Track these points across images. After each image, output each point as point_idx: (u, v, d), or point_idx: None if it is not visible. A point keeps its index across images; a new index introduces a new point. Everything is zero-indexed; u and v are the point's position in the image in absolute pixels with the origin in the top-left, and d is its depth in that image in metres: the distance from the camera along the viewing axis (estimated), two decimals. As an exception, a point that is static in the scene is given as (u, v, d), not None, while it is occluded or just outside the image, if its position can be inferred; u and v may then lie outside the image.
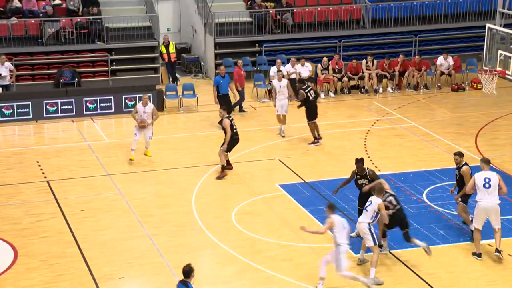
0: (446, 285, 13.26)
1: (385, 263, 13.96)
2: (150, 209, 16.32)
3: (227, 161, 17.93)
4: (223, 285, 13.32)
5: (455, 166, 15.19)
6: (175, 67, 25.24)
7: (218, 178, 17.64)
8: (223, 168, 17.80)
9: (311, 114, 19.68)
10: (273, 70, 22.76)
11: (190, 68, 26.48)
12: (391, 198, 13.79)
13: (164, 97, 22.96)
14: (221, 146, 17.66)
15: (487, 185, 13.82)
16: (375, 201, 13.28)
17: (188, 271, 10.98)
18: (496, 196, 13.83)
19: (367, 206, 13.35)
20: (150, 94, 22.61)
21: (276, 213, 16.11)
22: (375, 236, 13.33)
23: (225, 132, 17.62)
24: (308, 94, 19.57)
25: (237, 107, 22.31)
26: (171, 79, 24.93)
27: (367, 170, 14.61)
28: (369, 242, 13.32)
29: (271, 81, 23.29)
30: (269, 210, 16.25)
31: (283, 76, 21.21)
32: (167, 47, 24.72)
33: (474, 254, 14.18)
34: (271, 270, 13.77)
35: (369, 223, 13.27)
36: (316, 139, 19.80)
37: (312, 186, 17.39)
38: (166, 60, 24.80)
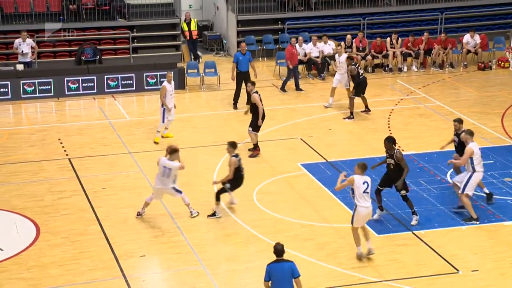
0: (470, 267, 13.21)
1: (407, 244, 13.92)
2: (171, 187, 16.36)
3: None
4: (244, 265, 13.37)
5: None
6: (196, 45, 25.20)
7: (251, 156, 17.66)
8: (255, 146, 17.84)
9: (361, 89, 20.06)
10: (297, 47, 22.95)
11: (212, 45, 26.43)
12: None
13: (186, 75, 22.96)
14: (250, 125, 17.72)
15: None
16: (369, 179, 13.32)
17: (281, 249, 10.78)
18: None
19: (367, 189, 13.22)
20: (172, 72, 22.69)
21: (298, 192, 16.11)
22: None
23: (256, 107, 17.63)
24: (359, 70, 19.97)
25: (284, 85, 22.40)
26: (192, 57, 24.91)
27: (395, 151, 14.33)
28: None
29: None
30: (291, 189, 16.25)
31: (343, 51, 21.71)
32: (188, 24, 24.68)
33: (470, 220, 14.51)
34: (293, 250, 13.77)
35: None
36: (366, 110, 20.37)
37: (334, 166, 17.34)
38: (188, 37, 24.77)
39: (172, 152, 14.58)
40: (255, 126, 17.65)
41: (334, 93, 21.01)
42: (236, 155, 14.91)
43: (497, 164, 17.20)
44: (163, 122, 18.64)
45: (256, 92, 17.72)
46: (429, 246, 13.86)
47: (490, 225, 14.59)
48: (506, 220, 14.74)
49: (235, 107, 21.07)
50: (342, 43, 23.66)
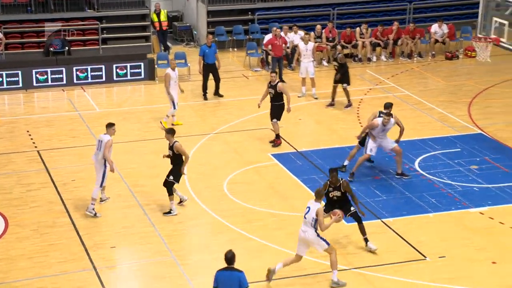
0: (437, 253, 13.39)
1: (376, 231, 14.07)
2: (141, 178, 16.36)
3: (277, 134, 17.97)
4: (215, 254, 13.40)
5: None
6: (166, 36, 25.10)
7: (274, 146, 17.76)
8: (278, 136, 17.92)
9: (348, 78, 20.16)
10: (267, 37, 22.91)
11: (182, 36, 26.35)
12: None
13: (156, 66, 22.88)
14: (274, 118, 17.76)
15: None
16: (313, 207, 12.19)
17: (231, 257, 10.44)
18: None
19: (306, 214, 12.24)
20: (142, 63, 22.63)
21: (268, 182, 16.18)
22: (324, 237, 12.34)
23: (285, 95, 17.71)
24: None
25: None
26: (162, 48, 24.82)
27: (341, 182, 13.32)
28: (323, 246, 12.28)
29: (265, 49, 23.31)
30: (261, 179, 16.31)
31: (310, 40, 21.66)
32: (158, 15, 24.58)
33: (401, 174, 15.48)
34: (263, 239, 13.87)
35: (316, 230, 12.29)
36: (348, 104, 20.35)
37: (304, 156, 17.44)
38: (158, 28, 24.67)
39: (107, 126, 14.71)
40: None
41: (305, 83, 21.10)
42: (177, 141, 14.62)
43: (464, 152, 17.43)
44: (174, 108, 18.82)
45: (282, 80, 17.53)
46: (397, 234, 14.02)
47: (456, 212, 14.80)
48: (471, 207, 14.97)
49: (205, 97, 21.07)
50: (312, 33, 23.74)
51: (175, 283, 12.60)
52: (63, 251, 13.43)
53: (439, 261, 13.16)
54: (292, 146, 17.91)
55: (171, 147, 14.65)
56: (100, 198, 15.03)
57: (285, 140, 18.22)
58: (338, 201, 13.32)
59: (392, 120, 15.96)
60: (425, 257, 13.30)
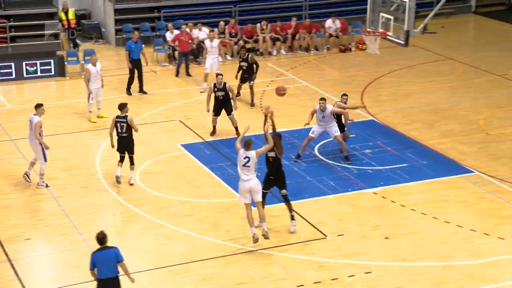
0: (336, 232, 13.67)
1: (280, 214, 14.22)
2: (55, 171, 15.93)
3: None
4: (128, 242, 13.24)
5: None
6: (75, 34, 24.48)
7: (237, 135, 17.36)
8: (237, 128, 17.82)
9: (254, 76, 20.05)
10: (168, 35, 22.85)
11: (91, 34, 25.74)
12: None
13: (66, 63, 22.27)
14: (230, 113, 17.70)
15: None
16: (252, 154, 12.80)
17: (103, 237, 10.50)
18: None
19: (247, 163, 12.76)
20: (52, 60, 21.99)
21: (178, 171, 16.08)
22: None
23: (231, 93, 17.78)
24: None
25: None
26: (71, 45, 24.19)
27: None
28: (260, 195, 12.97)
29: (171, 45, 23.12)
30: (172, 169, 16.19)
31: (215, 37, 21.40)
32: (66, 13, 23.93)
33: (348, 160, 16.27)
34: (174, 225, 13.79)
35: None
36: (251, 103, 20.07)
37: (212, 145, 17.42)
38: (66, 26, 24.04)
39: (36, 107, 14.90)
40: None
41: (207, 79, 20.94)
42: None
43: (358, 137, 17.83)
44: (88, 101, 18.56)
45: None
46: (300, 215, 14.22)
47: (353, 193, 15.14)
48: (366, 188, 15.36)
49: (128, 92, 20.63)
50: (216, 29, 23.68)
51: (91, 271, 12.35)
52: (-22, 245, 12.93)
53: (338, 239, 13.44)
54: (200, 137, 17.85)
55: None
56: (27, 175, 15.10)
57: (193, 131, 18.14)
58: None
59: (329, 107, 16.22)
60: (325, 236, 13.56)
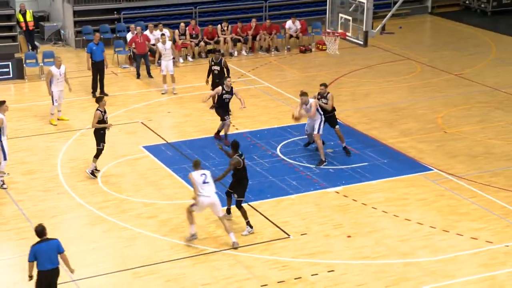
0: (299, 231, 13.71)
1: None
2: (15, 175, 15.66)
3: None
4: (91, 245, 13.08)
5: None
6: (33, 35, 24.11)
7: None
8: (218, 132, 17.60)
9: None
10: (129, 36, 22.67)
11: (50, 36, 25.37)
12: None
13: (24, 65, 21.91)
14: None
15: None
16: (207, 173, 13.00)
17: (42, 230, 10.80)
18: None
19: (205, 180, 12.87)
20: (10, 63, 21.62)
21: (140, 173, 15.94)
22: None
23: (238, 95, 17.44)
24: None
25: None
26: (30, 47, 23.80)
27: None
28: (221, 211, 13.11)
29: (130, 48, 22.92)
30: (134, 171, 16.05)
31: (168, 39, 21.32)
32: (24, 15, 23.55)
33: (321, 163, 16.07)
34: (137, 227, 13.67)
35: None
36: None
37: (174, 146, 17.32)
38: (24, 28, 23.64)
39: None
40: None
41: (166, 80, 20.80)
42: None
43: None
44: (53, 104, 18.24)
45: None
46: (264, 216, 14.23)
47: (315, 193, 15.21)
48: (328, 187, 15.43)
49: (94, 95, 20.30)
50: (166, 30, 23.42)
51: (53, 275, 12.15)
52: None
53: (301, 238, 13.48)
54: (162, 138, 17.74)
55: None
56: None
57: (155, 133, 18.01)
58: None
59: (310, 100, 16.31)
60: (289, 235, 13.59)
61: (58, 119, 18.52)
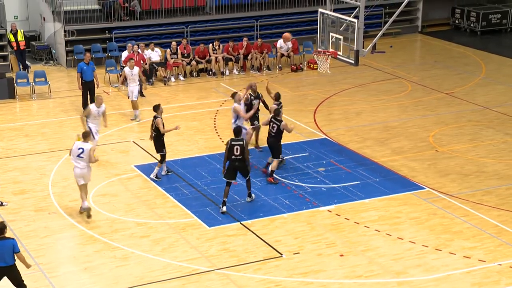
0: (292, 250, 13.70)
1: (237, 233, 14.20)
2: (6, 195, 15.59)
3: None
4: (84, 265, 13.02)
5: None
6: (25, 55, 24.13)
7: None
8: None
9: None
10: (124, 55, 22.67)
11: (41, 55, 25.42)
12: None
13: (15, 84, 21.92)
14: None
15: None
16: (86, 146, 14.43)
17: (2, 228, 11.26)
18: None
19: (81, 154, 14.38)
20: (1, 82, 21.60)
21: (133, 193, 15.92)
22: None
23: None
24: None
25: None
26: (21, 67, 23.82)
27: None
28: (90, 178, 14.83)
29: (123, 66, 22.94)
30: (126, 190, 16.03)
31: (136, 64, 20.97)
32: (15, 35, 23.58)
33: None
34: (129, 247, 13.63)
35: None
36: None
37: (166, 166, 17.29)
38: (15, 48, 23.67)
39: None
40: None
41: (136, 106, 20.34)
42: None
43: (312, 156, 17.97)
44: (93, 138, 16.87)
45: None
46: (256, 235, 14.22)
47: (308, 211, 15.22)
48: (321, 206, 15.46)
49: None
50: (158, 49, 23.44)
51: (45, 296, 12.11)
52: None
53: (294, 258, 13.48)
54: (154, 157, 17.73)
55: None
56: None
57: (147, 152, 18.01)
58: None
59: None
60: (281, 254, 13.59)
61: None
